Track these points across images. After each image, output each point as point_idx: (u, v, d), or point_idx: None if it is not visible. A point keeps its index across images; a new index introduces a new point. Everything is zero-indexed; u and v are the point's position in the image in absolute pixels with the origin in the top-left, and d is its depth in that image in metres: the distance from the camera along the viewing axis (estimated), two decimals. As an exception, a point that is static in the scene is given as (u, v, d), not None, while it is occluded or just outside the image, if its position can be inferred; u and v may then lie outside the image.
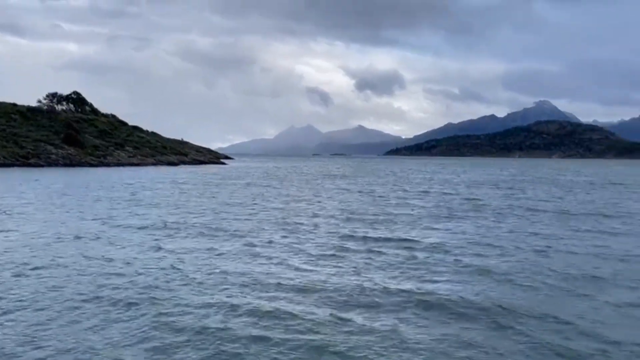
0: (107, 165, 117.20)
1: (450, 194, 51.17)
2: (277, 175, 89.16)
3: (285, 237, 23.13)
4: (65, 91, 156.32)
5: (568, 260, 18.42)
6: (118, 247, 20.44)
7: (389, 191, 54.49)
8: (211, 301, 12.96)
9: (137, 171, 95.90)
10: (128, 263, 17.30)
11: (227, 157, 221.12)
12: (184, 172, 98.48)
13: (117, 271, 16.05)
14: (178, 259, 18.27)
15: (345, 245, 21.01)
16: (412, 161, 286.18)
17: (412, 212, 33.24)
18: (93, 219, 27.99)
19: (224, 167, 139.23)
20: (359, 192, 53.26)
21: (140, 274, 15.76)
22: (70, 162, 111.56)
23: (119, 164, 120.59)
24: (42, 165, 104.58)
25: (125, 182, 61.46)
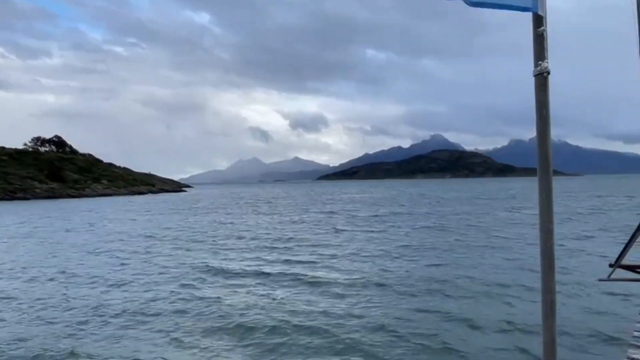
0: (86, 196, 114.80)
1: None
2: (222, 203, 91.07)
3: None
4: (46, 136, 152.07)
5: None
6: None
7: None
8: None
9: (109, 200, 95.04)
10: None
11: (187, 186, 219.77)
12: (145, 200, 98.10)
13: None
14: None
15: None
16: (344, 184, 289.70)
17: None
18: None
19: (185, 194, 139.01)
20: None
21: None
22: (53, 195, 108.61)
23: (96, 195, 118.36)
24: (28, 199, 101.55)
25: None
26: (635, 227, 8.03)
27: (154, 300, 12.96)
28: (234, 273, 16.63)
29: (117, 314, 11.65)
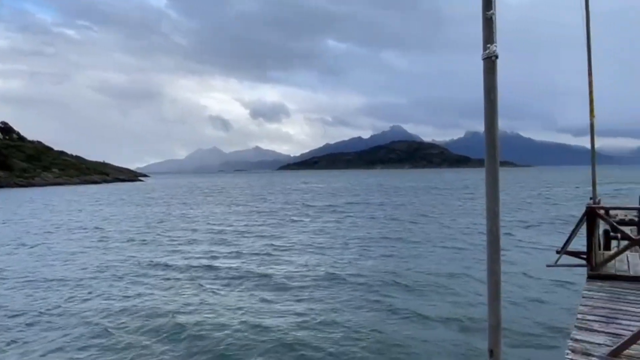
0: (35, 185, 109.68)
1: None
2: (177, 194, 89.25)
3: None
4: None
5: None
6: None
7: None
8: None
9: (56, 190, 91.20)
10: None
11: (144, 175, 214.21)
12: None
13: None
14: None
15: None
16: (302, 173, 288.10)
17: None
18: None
19: (141, 184, 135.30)
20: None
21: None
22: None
23: (47, 184, 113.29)
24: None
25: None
26: (579, 217, 8.42)
27: (88, 298, 12.11)
28: (178, 268, 15.84)
29: (45, 314, 10.76)
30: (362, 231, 24.60)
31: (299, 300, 11.59)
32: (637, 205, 12.66)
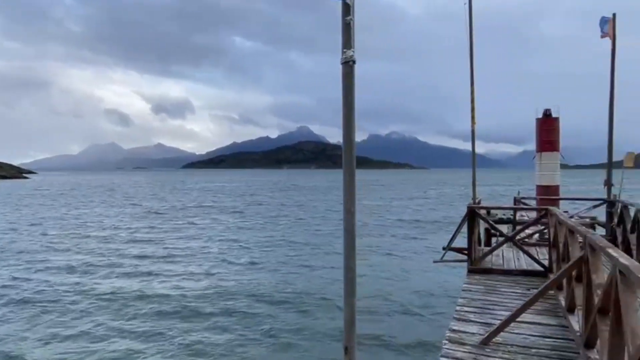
0: None
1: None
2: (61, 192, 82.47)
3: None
4: None
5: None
6: None
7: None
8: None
9: None
10: None
11: (31, 172, 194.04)
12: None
13: None
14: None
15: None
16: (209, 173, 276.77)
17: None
18: None
19: (25, 181, 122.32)
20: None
21: None
22: None
23: None
24: None
25: None
26: (463, 215, 9.12)
27: None
28: (35, 281, 13.60)
29: None
30: (257, 234, 23.95)
31: (168, 321, 10.27)
32: (512, 205, 14.04)
